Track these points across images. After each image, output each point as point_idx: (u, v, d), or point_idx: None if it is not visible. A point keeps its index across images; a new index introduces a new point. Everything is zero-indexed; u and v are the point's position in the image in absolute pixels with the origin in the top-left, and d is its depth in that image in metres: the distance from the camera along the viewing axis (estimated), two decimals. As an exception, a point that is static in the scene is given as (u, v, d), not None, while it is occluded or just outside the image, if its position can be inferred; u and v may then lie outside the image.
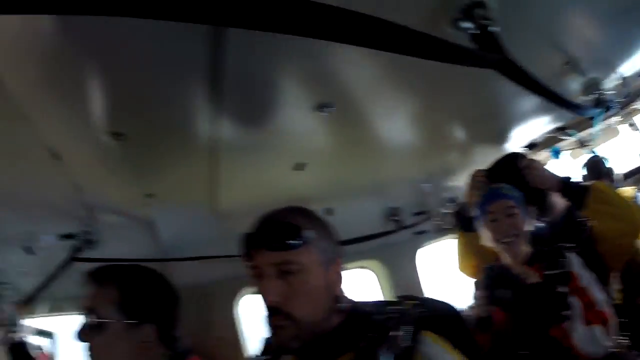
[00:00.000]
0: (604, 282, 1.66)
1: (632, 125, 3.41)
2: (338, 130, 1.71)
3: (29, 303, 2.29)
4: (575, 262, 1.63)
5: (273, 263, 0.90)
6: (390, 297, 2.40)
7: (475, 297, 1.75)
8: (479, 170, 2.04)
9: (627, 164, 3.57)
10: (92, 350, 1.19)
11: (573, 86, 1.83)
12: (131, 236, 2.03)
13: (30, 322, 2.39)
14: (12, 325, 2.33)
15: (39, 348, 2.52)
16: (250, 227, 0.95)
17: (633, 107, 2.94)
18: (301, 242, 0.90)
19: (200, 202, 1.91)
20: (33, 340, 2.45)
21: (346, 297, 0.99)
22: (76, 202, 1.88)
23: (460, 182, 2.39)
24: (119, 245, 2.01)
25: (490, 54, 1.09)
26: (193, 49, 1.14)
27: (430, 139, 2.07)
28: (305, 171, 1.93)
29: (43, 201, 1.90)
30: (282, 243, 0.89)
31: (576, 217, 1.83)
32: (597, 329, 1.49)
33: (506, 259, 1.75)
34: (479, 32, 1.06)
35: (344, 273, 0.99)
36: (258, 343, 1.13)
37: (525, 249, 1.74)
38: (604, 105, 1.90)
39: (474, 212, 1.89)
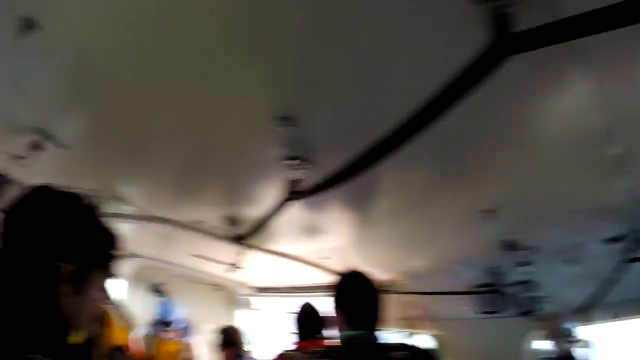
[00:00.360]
0: None
1: None
2: None
3: (582, 312, 2.47)
4: None
5: None
6: None
7: None
8: None
9: None
10: None
11: None
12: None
13: (584, 331, 2.53)
14: (567, 336, 2.53)
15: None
16: None
17: None
18: None
19: None
20: (581, 351, 2.55)
21: None
22: (626, 201, 1.98)
23: None
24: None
25: None
26: None
27: None
28: None
29: (590, 209, 2.08)
30: None
31: None
32: None
33: None
34: None
35: None
36: None
37: None
38: None
39: None
